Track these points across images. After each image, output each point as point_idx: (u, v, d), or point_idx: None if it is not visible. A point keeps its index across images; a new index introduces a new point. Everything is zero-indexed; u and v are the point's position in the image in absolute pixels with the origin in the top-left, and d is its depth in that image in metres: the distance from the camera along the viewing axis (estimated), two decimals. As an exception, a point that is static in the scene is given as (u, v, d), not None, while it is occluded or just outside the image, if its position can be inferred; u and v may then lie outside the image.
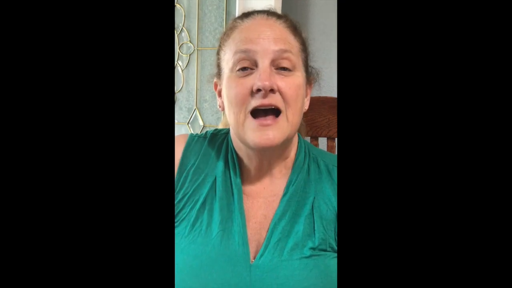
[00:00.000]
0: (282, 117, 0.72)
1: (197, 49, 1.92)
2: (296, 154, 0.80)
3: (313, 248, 0.71)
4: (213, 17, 1.89)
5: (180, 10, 1.93)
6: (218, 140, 0.84)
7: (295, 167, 0.78)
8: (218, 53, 0.82)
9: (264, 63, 0.72)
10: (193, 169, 0.79)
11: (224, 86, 0.77)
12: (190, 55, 1.94)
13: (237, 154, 0.79)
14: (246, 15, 0.79)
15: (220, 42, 0.82)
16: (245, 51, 0.73)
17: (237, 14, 1.81)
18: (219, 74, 0.81)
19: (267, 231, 0.73)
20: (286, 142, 0.76)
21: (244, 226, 0.73)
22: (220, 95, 0.83)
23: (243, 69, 0.74)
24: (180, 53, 1.95)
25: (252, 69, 0.73)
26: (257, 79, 0.71)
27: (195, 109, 1.97)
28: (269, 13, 0.78)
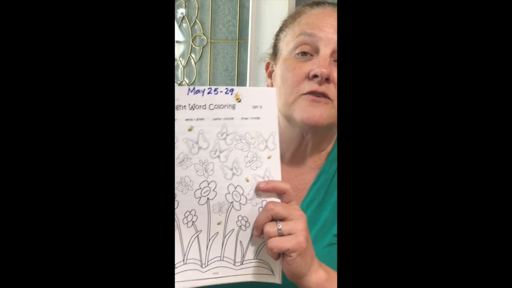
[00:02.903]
0: (331, 104, 0.72)
1: (210, 42, 1.92)
2: (332, 148, 0.80)
3: (335, 235, 0.71)
4: (226, 9, 1.88)
5: (193, 2, 1.92)
6: None
7: (329, 159, 0.79)
8: (277, 34, 0.82)
9: (325, 51, 0.72)
10: None
11: (279, 67, 0.78)
12: (203, 47, 1.94)
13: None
14: (317, 3, 0.80)
15: (283, 24, 0.82)
16: (309, 35, 0.73)
17: (251, 6, 1.80)
18: (274, 55, 0.81)
19: None
20: (328, 130, 0.75)
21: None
22: (270, 76, 0.83)
23: (303, 53, 0.74)
24: (193, 46, 1.94)
25: (312, 55, 0.73)
26: (316, 65, 0.71)
27: (207, 101, 1.97)
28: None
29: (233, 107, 0.60)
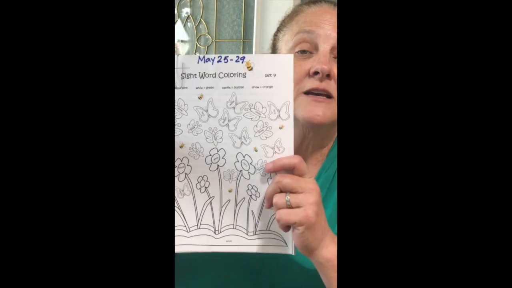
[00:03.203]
0: (333, 102, 0.71)
1: (215, 41, 1.92)
2: (332, 145, 0.80)
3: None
4: (231, 8, 1.89)
5: (198, 2, 1.93)
6: None
7: (330, 156, 0.79)
8: (275, 34, 0.83)
9: (325, 47, 0.72)
10: None
11: None
12: (208, 46, 1.94)
13: None
14: (314, 2, 0.80)
15: (281, 24, 0.82)
16: (308, 32, 0.73)
17: (256, 5, 1.80)
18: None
19: None
20: (330, 128, 0.76)
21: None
22: None
23: (303, 51, 0.74)
24: (198, 45, 1.95)
25: (311, 53, 0.73)
26: (316, 62, 0.71)
27: (212, 101, 1.97)
28: (336, 3, 0.79)
29: (244, 75, 0.59)
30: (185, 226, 0.60)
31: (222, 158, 0.60)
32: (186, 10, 1.97)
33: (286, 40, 0.78)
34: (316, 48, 0.73)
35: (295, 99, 0.73)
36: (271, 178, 0.60)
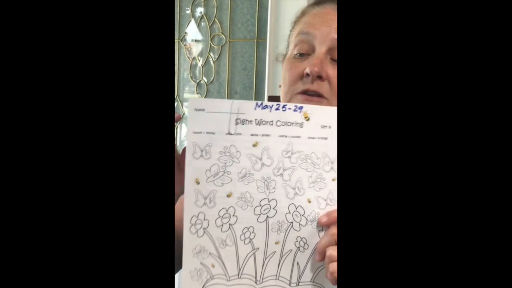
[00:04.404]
0: (326, 103, 0.71)
1: (229, 41, 1.92)
2: None
3: None
4: (245, 8, 1.89)
5: (212, 2, 1.93)
6: None
7: None
8: (288, 35, 0.84)
9: (320, 49, 0.72)
10: None
11: (283, 67, 0.79)
12: (221, 46, 1.94)
13: None
14: (317, 3, 0.80)
15: (292, 25, 0.84)
16: (306, 33, 0.74)
17: (270, 5, 1.80)
18: (285, 55, 0.83)
19: None
20: None
21: None
22: None
23: (301, 54, 0.74)
24: (212, 45, 1.95)
25: (309, 54, 0.74)
26: (308, 64, 0.71)
27: (226, 100, 1.97)
28: None
29: (301, 125, 0.59)
30: (225, 275, 0.58)
31: (273, 208, 0.58)
32: (200, 10, 1.97)
33: (291, 41, 0.79)
34: (313, 49, 0.73)
35: (290, 100, 0.75)
36: (322, 230, 0.59)
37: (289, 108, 0.58)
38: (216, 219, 0.57)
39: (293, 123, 0.58)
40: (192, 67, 1.99)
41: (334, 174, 0.59)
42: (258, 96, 1.87)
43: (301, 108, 0.58)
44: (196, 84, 1.98)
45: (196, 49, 1.99)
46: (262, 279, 0.59)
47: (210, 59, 1.97)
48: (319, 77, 0.70)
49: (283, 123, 0.58)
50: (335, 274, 0.56)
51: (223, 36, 1.93)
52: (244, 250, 0.58)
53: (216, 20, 1.95)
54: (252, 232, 0.58)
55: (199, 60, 1.98)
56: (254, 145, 0.58)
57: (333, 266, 0.56)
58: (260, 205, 0.58)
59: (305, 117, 0.58)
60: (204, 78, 1.98)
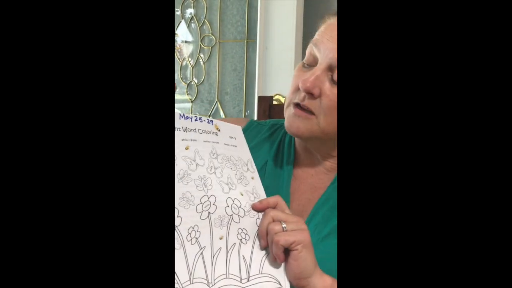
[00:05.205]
0: (314, 120, 0.71)
1: (219, 42, 1.92)
2: None
3: None
4: (235, 9, 1.89)
5: (202, 3, 1.93)
6: (276, 129, 0.86)
7: None
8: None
9: (321, 65, 0.70)
10: None
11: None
12: (211, 47, 1.94)
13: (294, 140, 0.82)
14: (334, 14, 0.77)
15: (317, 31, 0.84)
16: (314, 44, 0.73)
17: (259, 6, 1.80)
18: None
19: (308, 215, 0.74)
20: (321, 141, 0.75)
21: (288, 207, 0.75)
22: None
23: (308, 65, 0.73)
24: (202, 46, 1.95)
25: (313, 67, 0.72)
26: (304, 78, 0.70)
27: (216, 101, 1.97)
28: None
29: (216, 134, 0.67)
30: (178, 283, 0.58)
31: (213, 204, 0.61)
32: (190, 11, 1.97)
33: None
34: (316, 63, 0.71)
35: (286, 108, 0.75)
36: (259, 219, 0.63)
37: (204, 120, 0.67)
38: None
39: (210, 131, 0.66)
40: (183, 68, 1.99)
41: (251, 174, 0.67)
42: (249, 96, 1.87)
43: (211, 121, 0.68)
44: (186, 85, 1.98)
45: (187, 50, 1.99)
46: (214, 280, 0.59)
47: (200, 60, 1.97)
48: (311, 94, 0.69)
49: (203, 131, 0.66)
50: (281, 242, 0.59)
51: (213, 37, 1.93)
52: (192, 251, 0.59)
53: (206, 21, 1.95)
54: (197, 231, 0.60)
55: (189, 61, 1.98)
56: (186, 148, 0.63)
57: (278, 235, 0.59)
58: (201, 202, 0.61)
59: (216, 128, 0.67)
60: (194, 79, 1.98)
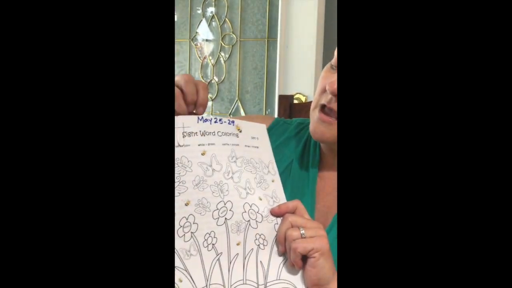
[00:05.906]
0: (336, 126, 0.71)
1: (240, 40, 1.92)
2: None
3: None
4: (255, 7, 1.89)
5: (223, 1, 1.93)
6: (302, 128, 0.86)
7: None
8: None
9: None
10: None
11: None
12: (232, 46, 1.95)
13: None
14: None
15: None
16: None
17: (280, 4, 1.80)
18: None
19: (333, 216, 0.74)
20: None
21: (313, 208, 0.75)
22: None
23: (336, 67, 0.73)
24: (223, 44, 1.96)
25: None
26: (330, 80, 0.70)
27: (237, 100, 1.98)
28: None
29: (237, 135, 0.65)
30: None
31: (230, 210, 0.61)
32: (211, 10, 1.98)
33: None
34: None
35: (313, 110, 0.75)
36: (277, 224, 0.62)
37: (225, 122, 0.65)
38: (178, 230, 0.58)
39: (230, 133, 0.64)
40: (203, 67, 2.00)
41: (271, 176, 0.66)
42: (269, 95, 1.87)
43: (233, 122, 0.66)
44: (207, 83, 1.99)
45: (207, 48, 1.99)
46: (231, 285, 0.59)
47: (221, 58, 1.98)
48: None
49: (223, 134, 0.64)
50: (299, 249, 0.58)
51: (234, 36, 1.93)
52: (209, 257, 0.59)
53: (227, 19, 1.95)
54: (214, 237, 0.59)
55: (210, 60, 1.99)
56: (203, 154, 0.62)
57: (296, 242, 0.58)
58: (217, 209, 0.60)
59: (238, 129, 0.66)
60: (215, 77, 1.98)
